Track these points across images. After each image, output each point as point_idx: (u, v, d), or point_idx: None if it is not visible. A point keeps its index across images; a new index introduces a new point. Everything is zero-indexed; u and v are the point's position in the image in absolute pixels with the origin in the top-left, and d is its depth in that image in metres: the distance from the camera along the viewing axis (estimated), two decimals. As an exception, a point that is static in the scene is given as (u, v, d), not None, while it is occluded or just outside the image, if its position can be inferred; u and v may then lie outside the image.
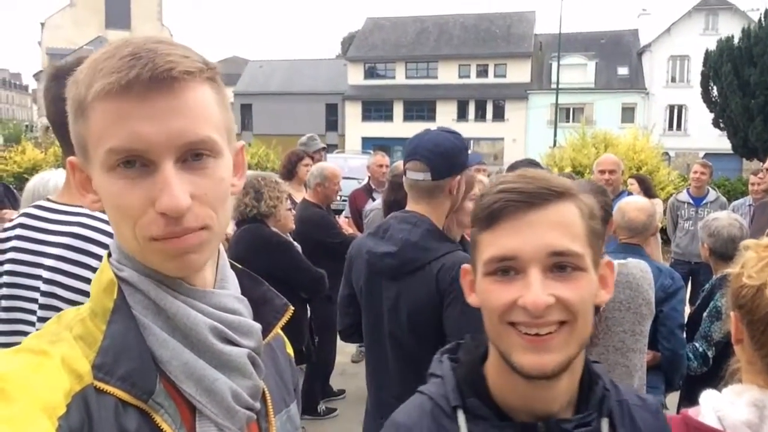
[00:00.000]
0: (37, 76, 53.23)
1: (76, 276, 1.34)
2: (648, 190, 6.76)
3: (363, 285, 2.20)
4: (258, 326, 0.87)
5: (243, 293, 0.89)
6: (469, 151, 2.17)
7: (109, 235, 1.35)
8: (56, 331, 0.77)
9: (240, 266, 0.94)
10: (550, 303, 0.84)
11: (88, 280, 1.32)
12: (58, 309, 1.35)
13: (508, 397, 0.96)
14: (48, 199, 1.48)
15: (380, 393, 2.20)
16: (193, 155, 0.75)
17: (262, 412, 0.87)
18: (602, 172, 5.03)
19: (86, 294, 1.30)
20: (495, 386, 0.97)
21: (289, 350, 1.07)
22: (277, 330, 0.94)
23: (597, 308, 0.91)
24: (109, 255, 0.84)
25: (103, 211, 0.79)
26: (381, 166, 5.75)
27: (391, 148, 29.38)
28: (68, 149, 1.47)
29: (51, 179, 2.34)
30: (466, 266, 1.01)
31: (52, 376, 0.69)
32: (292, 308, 0.96)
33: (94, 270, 1.32)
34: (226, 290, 0.85)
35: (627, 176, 7.03)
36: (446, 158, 2.06)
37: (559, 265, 0.87)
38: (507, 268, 0.89)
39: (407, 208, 2.16)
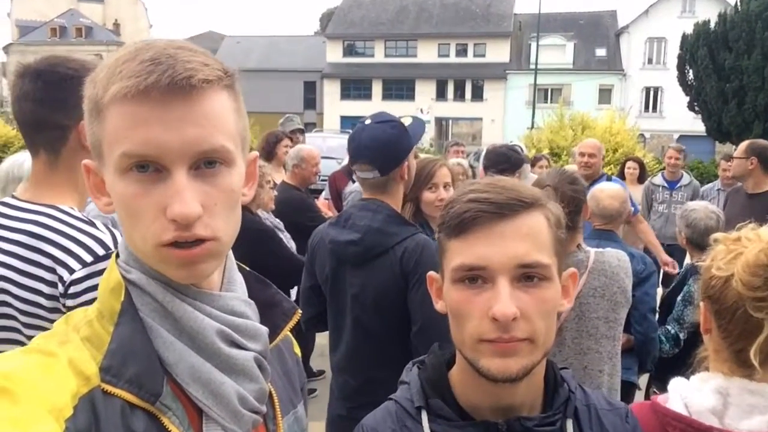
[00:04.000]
0: (6, 49, 51.79)
1: (28, 274, 1.33)
2: (643, 174, 6.87)
3: (328, 274, 2.22)
4: (265, 329, 0.87)
5: (250, 296, 0.89)
6: (411, 121, 2.18)
7: (66, 236, 1.35)
8: (65, 332, 0.77)
9: (247, 268, 0.94)
10: (518, 315, 0.87)
11: (41, 279, 1.32)
12: (11, 306, 1.34)
13: (473, 398, 0.98)
14: (13, 196, 1.47)
15: (343, 376, 2.25)
16: (207, 162, 0.75)
17: (269, 414, 0.88)
18: (582, 154, 5.09)
19: (40, 293, 1.31)
20: (459, 388, 1.00)
21: (297, 351, 1.07)
22: (285, 333, 0.94)
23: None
24: (117, 256, 0.84)
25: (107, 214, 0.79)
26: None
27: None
28: (32, 148, 1.45)
29: (26, 162, 2.30)
30: (432, 273, 1.03)
31: (60, 378, 0.70)
32: (300, 312, 0.97)
33: (47, 269, 1.32)
34: (233, 293, 0.86)
35: (609, 159, 7.10)
36: (389, 152, 2.10)
37: (527, 275, 0.90)
38: (475, 277, 0.91)
39: (364, 196, 2.21)
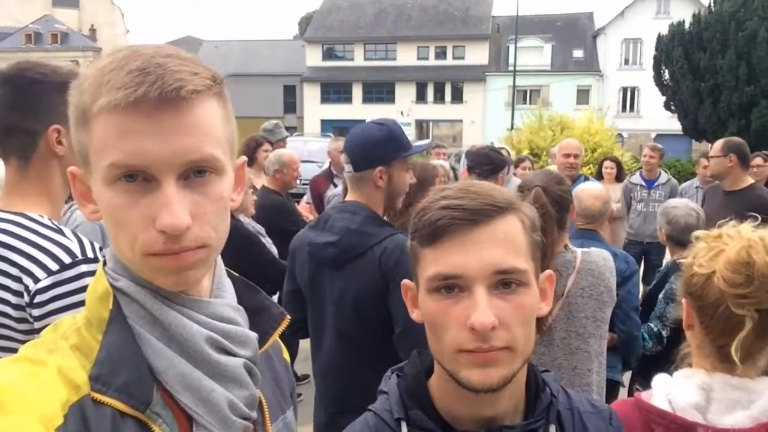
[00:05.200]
0: (-21, 55, 50.98)
1: None
2: (620, 173, 6.95)
3: (307, 278, 2.21)
4: (254, 335, 0.87)
5: (239, 301, 0.89)
6: (418, 142, 2.20)
7: (31, 243, 1.33)
8: (53, 340, 0.76)
9: (236, 274, 0.93)
10: (497, 324, 0.85)
11: (7, 288, 1.30)
12: None
13: (453, 408, 0.96)
14: None
15: (325, 382, 2.24)
16: (196, 172, 0.75)
17: (258, 420, 0.87)
18: (567, 156, 5.12)
19: (7, 303, 1.29)
20: (439, 397, 0.98)
21: (286, 356, 1.07)
22: (274, 338, 0.94)
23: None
24: (104, 263, 0.83)
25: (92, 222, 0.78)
26: (342, 151, 5.72)
27: (350, 130, 29.20)
28: (4, 155, 1.43)
29: (1, 170, 2.26)
30: (406, 282, 1.01)
31: (49, 387, 0.69)
32: (289, 317, 0.96)
33: (13, 278, 1.30)
34: (222, 299, 0.85)
35: (588, 159, 7.17)
36: (365, 150, 2.11)
37: (504, 282, 0.87)
38: (452, 286, 0.88)
39: (346, 198, 2.23)
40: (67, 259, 1.32)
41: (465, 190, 0.92)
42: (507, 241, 0.88)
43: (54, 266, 1.31)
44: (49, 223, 1.39)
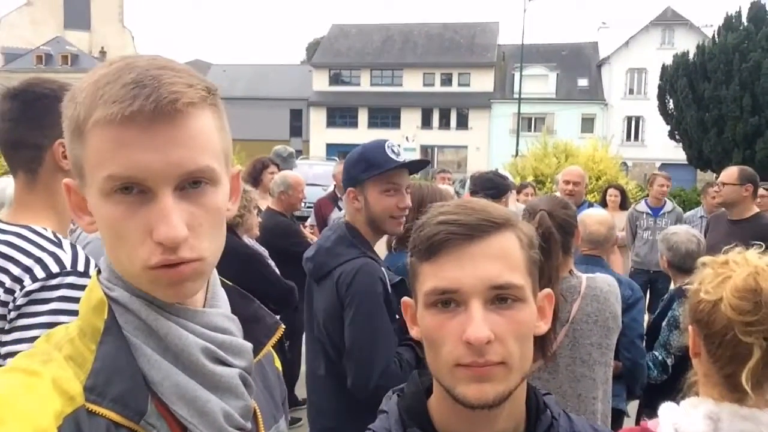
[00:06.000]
0: (-9, 75, 51.60)
1: None
2: (624, 201, 6.95)
3: (305, 290, 2.25)
4: (249, 345, 0.87)
5: (233, 311, 0.89)
6: (402, 158, 2.08)
7: (27, 254, 1.34)
8: (46, 351, 0.76)
9: (230, 283, 0.94)
10: (492, 338, 0.85)
11: (2, 303, 1.31)
12: None
13: (452, 427, 0.96)
14: None
15: (312, 396, 2.24)
16: (192, 183, 0.75)
17: (253, 430, 0.87)
18: (567, 182, 5.14)
19: None
20: (438, 416, 0.97)
21: (278, 364, 1.06)
22: (268, 348, 0.94)
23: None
24: (99, 273, 0.83)
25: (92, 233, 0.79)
26: None
27: None
28: (12, 170, 1.46)
29: (8, 188, 2.29)
30: (406, 300, 1.01)
31: (44, 398, 0.69)
32: (283, 327, 0.97)
33: (7, 290, 1.31)
34: (216, 309, 0.85)
35: (593, 186, 7.17)
36: (344, 173, 2.15)
37: (500, 297, 0.88)
38: (448, 300, 0.88)
39: None
40: (55, 269, 1.33)
41: (462, 207, 0.93)
42: (503, 257, 0.89)
43: (41, 274, 1.33)
44: (50, 235, 1.40)
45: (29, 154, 1.41)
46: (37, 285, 1.31)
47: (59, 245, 1.39)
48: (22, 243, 1.36)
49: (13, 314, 1.30)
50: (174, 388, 0.76)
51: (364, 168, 2.07)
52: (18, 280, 1.31)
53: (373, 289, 1.99)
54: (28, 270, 1.32)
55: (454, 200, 0.97)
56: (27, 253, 1.35)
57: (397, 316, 1.97)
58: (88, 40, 57.39)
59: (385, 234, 2.14)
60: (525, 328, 0.89)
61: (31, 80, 1.46)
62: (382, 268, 2.06)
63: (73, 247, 1.42)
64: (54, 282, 1.32)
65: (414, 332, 0.98)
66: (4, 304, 1.31)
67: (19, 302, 1.30)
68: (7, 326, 1.30)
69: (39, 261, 1.34)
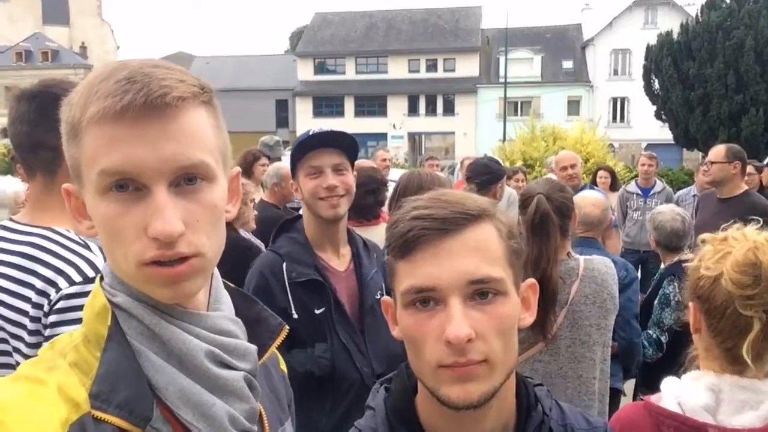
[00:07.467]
0: (-30, 74, 50.78)
1: (18, 295, 1.33)
2: (615, 182, 6.99)
3: None
4: (253, 348, 0.86)
5: (237, 313, 0.88)
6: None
7: (59, 257, 1.35)
8: (51, 358, 0.76)
9: (233, 285, 0.93)
10: (473, 336, 0.82)
11: (29, 300, 1.32)
12: (3, 330, 1.34)
13: (440, 426, 0.93)
14: (12, 220, 1.48)
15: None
16: (187, 179, 0.75)
17: None
18: (564, 168, 5.09)
19: (26, 314, 1.31)
20: (425, 416, 0.95)
21: (283, 367, 1.06)
22: (273, 350, 0.93)
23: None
24: (101, 279, 0.82)
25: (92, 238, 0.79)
26: None
27: None
28: (29, 171, 1.47)
29: (6, 188, 2.28)
30: (386, 298, 0.97)
31: (49, 405, 0.69)
32: (288, 328, 0.96)
33: (39, 291, 1.32)
34: (220, 312, 0.85)
35: (583, 169, 7.20)
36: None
37: (480, 292, 0.85)
38: (426, 299, 0.85)
39: None
40: (90, 273, 1.34)
41: (435, 200, 0.89)
42: (480, 250, 0.85)
43: (78, 278, 1.33)
44: (75, 237, 1.41)
45: (49, 156, 1.42)
46: (75, 289, 1.31)
47: (87, 247, 1.40)
48: (49, 245, 1.37)
49: (53, 317, 1.30)
50: (179, 393, 0.76)
51: (292, 157, 2.04)
52: (52, 283, 1.32)
53: (247, 283, 2.06)
54: (59, 272, 1.33)
55: (428, 193, 0.93)
56: (56, 255, 1.35)
57: (295, 315, 1.96)
58: (68, 35, 56.62)
59: (321, 218, 2.01)
60: (507, 323, 0.86)
61: (47, 82, 1.46)
62: (284, 264, 2.01)
63: (101, 248, 1.43)
64: (92, 287, 1.33)
65: (395, 332, 0.94)
66: (38, 306, 1.31)
67: (60, 305, 1.30)
68: (47, 332, 1.30)
69: (71, 264, 1.34)
